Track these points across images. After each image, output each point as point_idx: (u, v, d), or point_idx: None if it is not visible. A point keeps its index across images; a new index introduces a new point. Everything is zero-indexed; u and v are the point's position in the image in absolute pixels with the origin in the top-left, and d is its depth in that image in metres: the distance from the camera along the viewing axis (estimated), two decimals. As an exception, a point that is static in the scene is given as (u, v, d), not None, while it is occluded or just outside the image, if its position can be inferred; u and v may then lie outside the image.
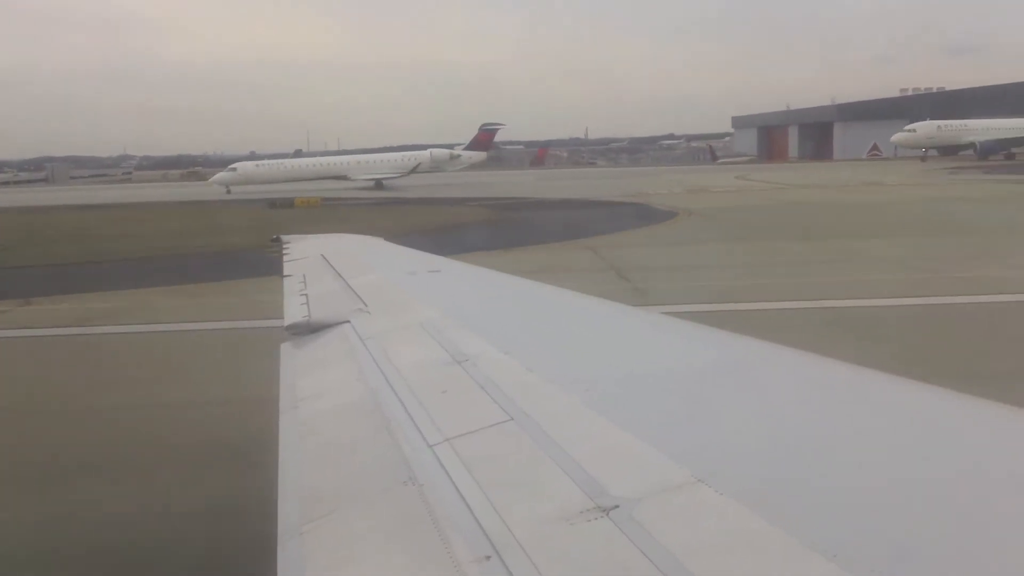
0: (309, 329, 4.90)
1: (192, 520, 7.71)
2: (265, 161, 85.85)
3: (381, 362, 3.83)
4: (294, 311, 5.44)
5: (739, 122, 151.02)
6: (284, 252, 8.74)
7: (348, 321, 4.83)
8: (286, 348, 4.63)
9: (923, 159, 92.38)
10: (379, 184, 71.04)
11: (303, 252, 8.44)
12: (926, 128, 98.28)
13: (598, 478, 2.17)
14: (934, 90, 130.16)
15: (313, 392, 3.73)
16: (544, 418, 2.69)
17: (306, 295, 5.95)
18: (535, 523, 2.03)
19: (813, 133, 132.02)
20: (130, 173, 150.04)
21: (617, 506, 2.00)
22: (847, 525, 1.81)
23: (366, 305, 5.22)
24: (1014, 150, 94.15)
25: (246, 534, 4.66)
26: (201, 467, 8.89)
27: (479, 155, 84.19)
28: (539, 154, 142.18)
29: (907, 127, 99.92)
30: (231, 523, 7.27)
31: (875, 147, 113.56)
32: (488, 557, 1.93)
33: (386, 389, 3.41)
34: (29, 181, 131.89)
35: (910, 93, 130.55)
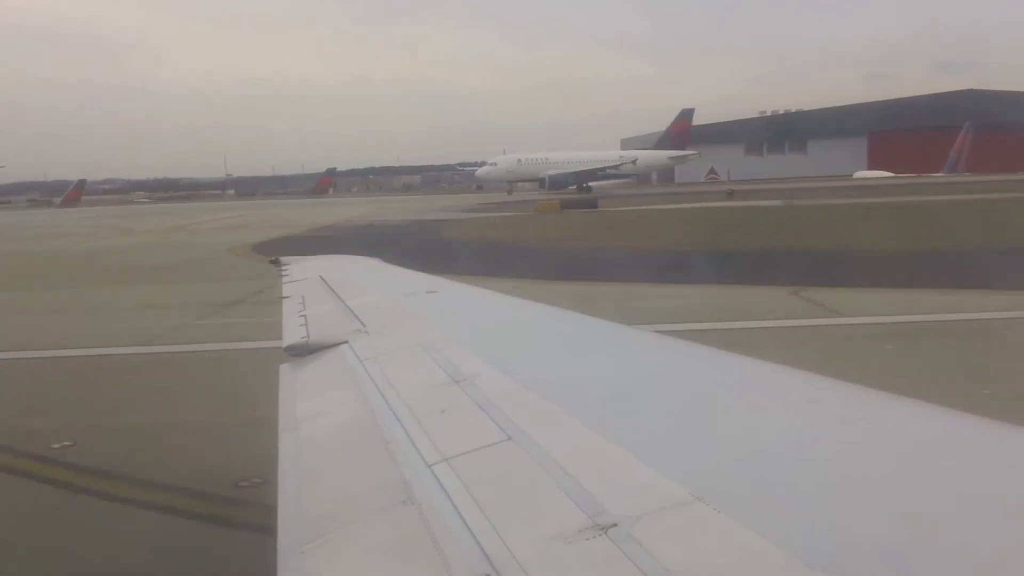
0: (307, 350, 4.91)
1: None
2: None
3: (380, 382, 3.84)
4: (293, 332, 5.45)
5: (628, 144, 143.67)
6: (283, 273, 8.77)
7: (346, 342, 4.85)
8: (285, 369, 4.64)
9: (509, 192, 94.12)
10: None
11: (302, 273, 8.47)
12: (507, 162, 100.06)
13: (596, 496, 2.18)
14: (780, 112, 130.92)
15: (312, 413, 3.73)
16: (542, 437, 2.70)
17: (305, 316, 5.97)
18: (534, 542, 2.04)
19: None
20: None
21: (615, 524, 2.01)
22: (847, 543, 1.81)
23: (364, 326, 5.24)
24: (592, 183, 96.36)
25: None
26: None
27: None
28: (323, 182, 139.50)
29: (491, 161, 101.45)
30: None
31: (712, 171, 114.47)
32: None
33: (384, 409, 3.42)
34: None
35: (768, 115, 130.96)
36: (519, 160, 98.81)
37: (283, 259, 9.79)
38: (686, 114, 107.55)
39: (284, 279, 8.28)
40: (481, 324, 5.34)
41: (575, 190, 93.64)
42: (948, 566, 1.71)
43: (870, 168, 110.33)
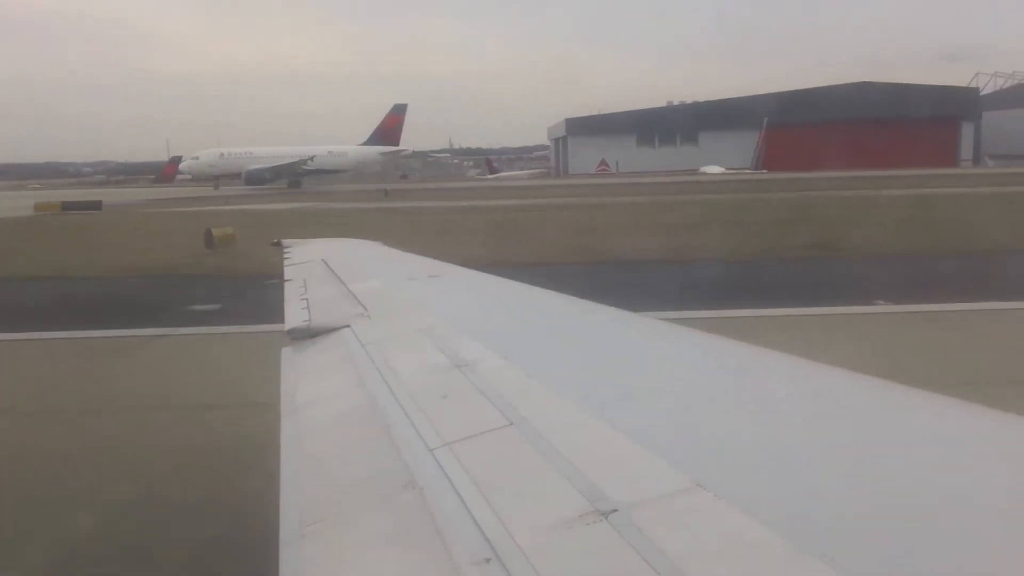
0: (310, 334, 4.91)
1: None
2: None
3: (381, 367, 3.85)
4: (295, 315, 5.46)
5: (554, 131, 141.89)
6: (285, 256, 8.77)
7: (348, 326, 4.85)
8: (287, 352, 4.65)
9: (216, 187, 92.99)
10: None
11: (304, 256, 8.47)
12: (208, 156, 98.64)
13: (597, 482, 2.19)
14: (688, 102, 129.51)
15: (314, 397, 3.75)
16: (544, 423, 2.71)
17: (307, 299, 5.97)
18: (534, 527, 2.05)
19: (562, 147, 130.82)
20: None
21: (616, 510, 2.02)
22: (846, 531, 1.82)
23: (367, 310, 5.24)
24: (302, 177, 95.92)
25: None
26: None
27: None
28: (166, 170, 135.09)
29: (194, 155, 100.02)
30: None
31: (603, 163, 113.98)
32: (488, 560, 1.95)
33: (386, 394, 3.43)
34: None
35: (676, 104, 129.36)
36: (221, 154, 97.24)
37: (285, 241, 9.77)
38: (398, 109, 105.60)
39: (286, 262, 8.28)
40: (484, 309, 5.34)
41: (286, 185, 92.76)
42: (948, 556, 1.72)
43: (764, 162, 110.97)
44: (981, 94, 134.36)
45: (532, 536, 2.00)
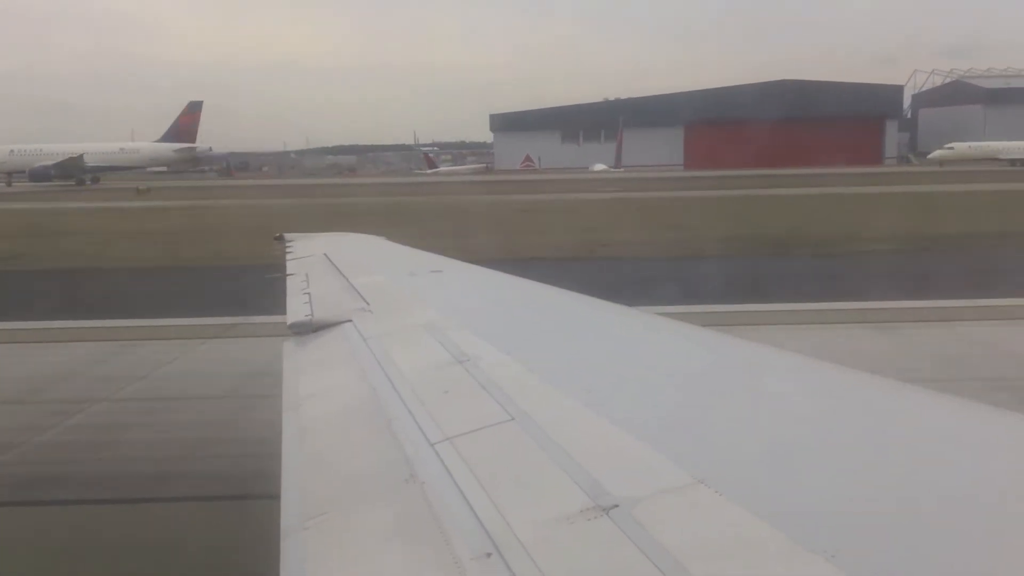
0: (311, 328, 4.92)
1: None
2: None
3: (383, 361, 3.85)
4: (297, 310, 5.46)
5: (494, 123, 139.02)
6: (287, 250, 8.77)
7: (350, 320, 4.86)
8: (288, 347, 4.65)
9: (8, 184, 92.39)
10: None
11: (306, 250, 8.46)
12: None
13: (598, 478, 2.19)
14: (611, 100, 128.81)
15: (315, 391, 3.75)
16: (545, 418, 2.71)
17: (309, 294, 5.97)
18: (535, 522, 2.05)
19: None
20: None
21: (617, 506, 2.02)
22: (846, 527, 1.83)
23: (368, 304, 5.24)
24: (100, 174, 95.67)
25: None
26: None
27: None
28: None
29: None
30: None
31: (528, 159, 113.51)
32: (489, 555, 1.95)
33: (388, 388, 3.43)
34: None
35: (612, 100, 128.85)
36: (11, 151, 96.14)
37: (288, 236, 9.77)
38: (194, 107, 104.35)
39: (288, 256, 8.28)
40: (485, 304, 5.34)
41: (74, 182, 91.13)
42: (949, 552, 1.72)
43: (686, 160, 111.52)
44: (919, 92, 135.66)
45: (533, 531, 2.01)
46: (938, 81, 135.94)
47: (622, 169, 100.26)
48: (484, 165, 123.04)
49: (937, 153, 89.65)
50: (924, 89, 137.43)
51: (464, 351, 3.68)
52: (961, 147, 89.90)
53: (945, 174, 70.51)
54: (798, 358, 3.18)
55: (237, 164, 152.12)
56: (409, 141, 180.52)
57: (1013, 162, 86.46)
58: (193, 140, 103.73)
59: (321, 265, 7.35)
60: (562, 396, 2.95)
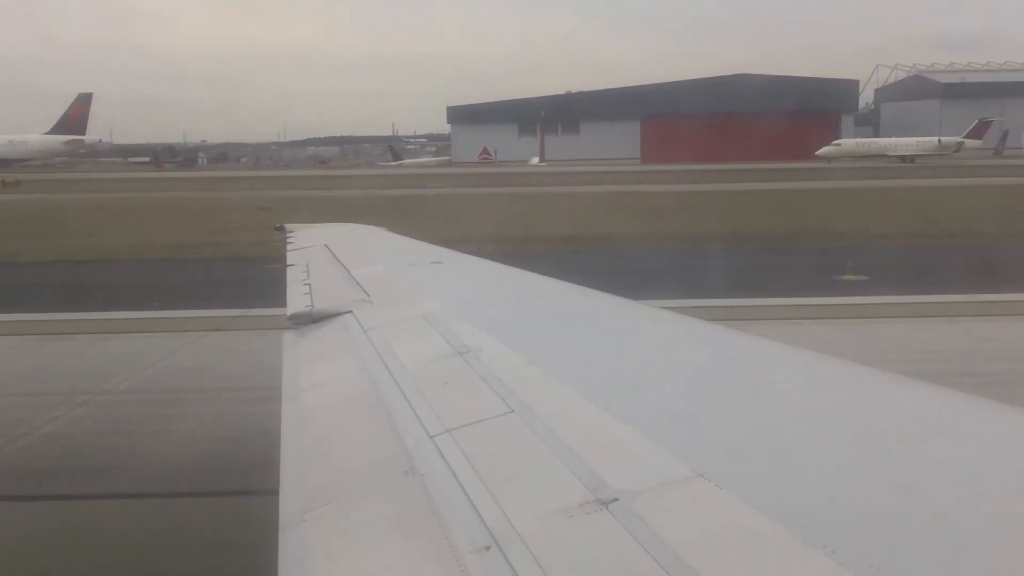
0: (311, 319, 4.91)
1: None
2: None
3: (383, 353, 3.85)
4: (297, 301, 5.45)
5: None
6: (288, 241, 8.76)
7: (350, 311, 4.85)
8: (288, 338, 4.65)
9: None
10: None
11: (307, 241, 8.46)
12: None
13: (598, 471, 2.19)
14: (574, 92, 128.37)
15: (315, 382, 3.75)
16: (545, 411, 2.70)
17: (309, 285, 5.97)
18: (535, 515, 2.05)
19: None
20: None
21: (616, 499, 2.01)
22: (845, 521, 1.82)
23: (368, 295, 5.23)
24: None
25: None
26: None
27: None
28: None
29: None
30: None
31: (485, 151, 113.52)
32: (488, 548, 1.95)
33: (388, 380, 3.42)
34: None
35: (572, 93, 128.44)
36: None
37: (288, 226, 9.76)
38: (83, 99, 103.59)
39: (289, 247, 8.27)
40: (485, 296, 5.33)
41: None
42: (947, 546, 1.72)
43: (642, 153, 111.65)
44: (882, 86, 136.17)
45: (532, 524, 2.00)
46: (902, 76, 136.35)
47: (544, 163, 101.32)
48: (447, 158, 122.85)
49: (825, 150, 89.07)
50: (887, 84, 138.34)
51: (464, 343, 3.67)
52: (848, 143, 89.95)
53: (833, 171, 70.17)
54: (799, 352, 3.18)
55: (214, 155, 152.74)
56: (399, 132, 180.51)
57: (903, 158, 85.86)
58: (83, 132, 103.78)
59: (321, 256, 7.35)
60: (562, 389, 2.94)
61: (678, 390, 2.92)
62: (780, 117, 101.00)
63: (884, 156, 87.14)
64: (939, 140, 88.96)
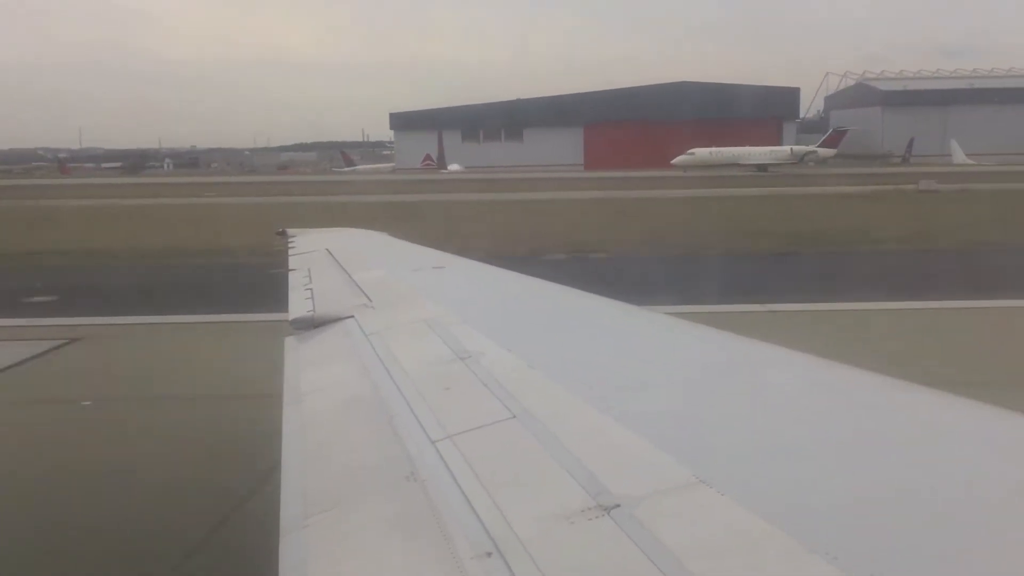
0: (313, 324, 4.91)
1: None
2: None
3: (384, 358, 3.85)
4: (299, 305, 5.46)
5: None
6: (289, 245, 8.77)
7: (352, 316, 4.85)
8: (290, 342, 4.65)
9: None
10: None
11: (309, 246, 8.46)
12: None
13: (600, 477, 2.18)
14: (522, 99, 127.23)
15: (316, 387, 3.74)
16: (547, 416, 2.70)
17: (311, 289, 5.97)
18: (536, 520, 2.04)
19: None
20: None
21: (618, 505, 2.01)
22: (848, 527, 1.82)
23: (370, 300, 5.24)
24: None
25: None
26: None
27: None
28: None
29: None
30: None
31: (428, 157, 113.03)
32: (489, 554, 1.94)
33: (389, 385, 3.42)
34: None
35: (517, 100, 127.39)
36: None
37: (290, 231, 9.77)
38: None
39: (291, 251, 8.28)
40: (487, 301, 5.33)
41: None
42: (950, 552, 1.71)
43: (585, 160, 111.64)
44: (831, 94, 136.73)
45: (534, 530, 2.00)
46: (850, 83, 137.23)
47: (444, 171, 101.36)
48: (391, 165, 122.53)
49: (679, 159, 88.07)
50: (835, 92, 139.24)
51: (466, 348, 3.67)
52: (702, 153, 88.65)
53: (688, 179, 68.48)
54: (802, 356, 3.17)
55: (186, 161, 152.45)
56: (376, 137, 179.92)
57: (759, 167, 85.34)
58: None
59: (323, 260, 7.35)
60: (564, 394, 2.94)
61: (680, 395, 2.91)
62: (721, 124, 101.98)
63: (738, 165, 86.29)
64: (791, 149, 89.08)
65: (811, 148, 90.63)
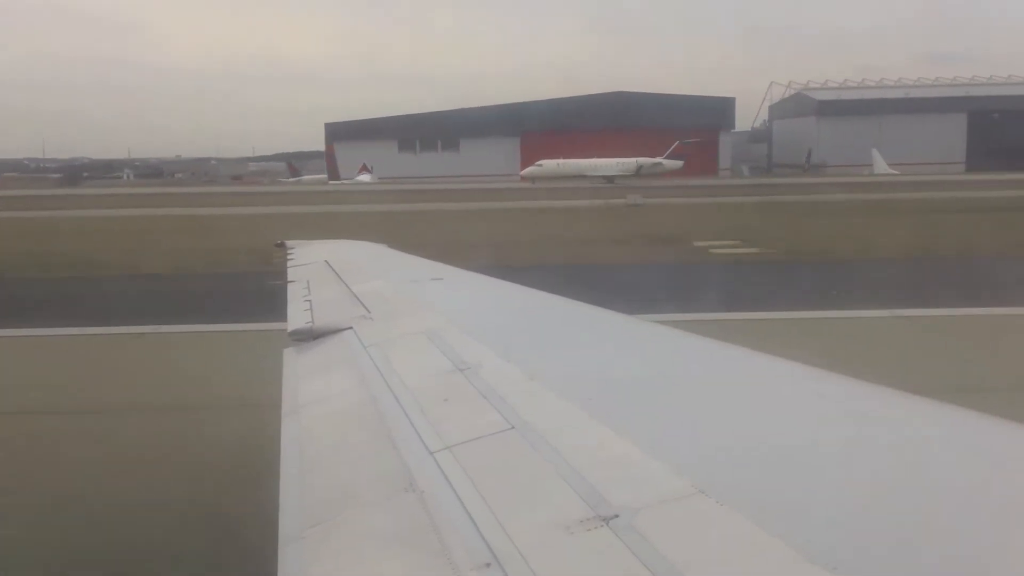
0: (312, 335, 4.91)
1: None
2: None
3: (383, 369, 3.85)
4: (298, 317, 5.46)
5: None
6: (288, 257, 8.76)
7: (351, 328, 4.85)
8: (289, 354, 4.65)
9: None
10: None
11: (307, 257, 8.46)
12: None
13: (598, 487, 2.18)
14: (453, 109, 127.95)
15: (315, 398, 3.74)
16: (545, 427, 2.70)
17: (310, 301, 5.97)
18: (535, 531, 2.04)
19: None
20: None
21: (617, 515, 2.01)
22: (846, 536, 1.82)
23: (369, 312, 5.24)
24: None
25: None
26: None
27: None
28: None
29: None
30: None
31: (364, 167, 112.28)
32: (488, 565, 1.94)
33: (388, 396, 3.42)
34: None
35: (456, 109, 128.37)
36: None
37: (289, 243, 9.77)
38: None
39: (289, 263, 8.28)
40: (486, 312, 5.34)
41: None
42: (950, 563, 1.71)
43: (522, 168, 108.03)
44: (774, 104, 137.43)
45: (533, 541, 2.00)
46: (793, 93, 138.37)
47: (377, 180, 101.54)
48: (324, 176, 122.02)
49: (527, 170, 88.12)
50: (778, 101, 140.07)
51: (464, 359, 3.67)
52: (549, 164, 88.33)
53: (535, 191, 68.06)
54: (799, 367, 3.18)
55: (149, 171, 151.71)
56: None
57: (608, 179, 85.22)
58: None
59: (322, 272, 7.35)
60: (563, 405, 2.94)
61: (678, 405, 2.92)
62: (658, 134, 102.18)
63: (585, 176, 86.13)
64: (636, 162, 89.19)
65: (657, 160, 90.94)
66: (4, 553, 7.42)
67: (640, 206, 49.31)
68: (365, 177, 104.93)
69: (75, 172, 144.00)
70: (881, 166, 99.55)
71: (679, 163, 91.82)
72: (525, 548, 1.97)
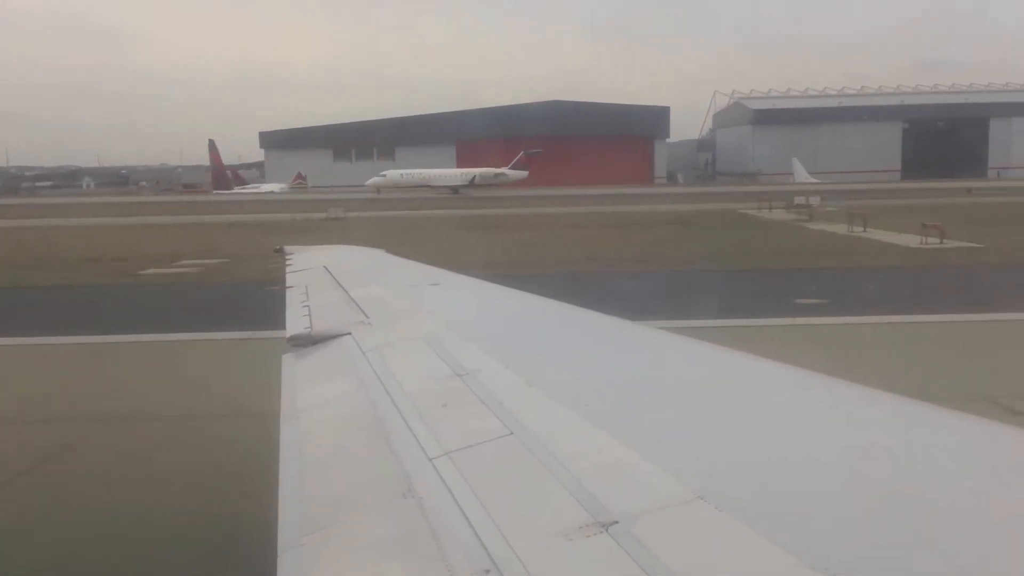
0: (311, 341, 4.91)
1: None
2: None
3: (382, 374, 3.84)
4: (296, 322, 5.45)
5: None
6: (287, 263, 8.76)
7: (349, 333, 4.85)
8: (287, 359, 4.64)
9: None
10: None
11: (306, 263, 8.46)
12: None
13: (597, 493, 2.18)
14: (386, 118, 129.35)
15: (314, 404, 3.74)
16: (544, 432, 2.70)
17: (308, 306, 5.97)
18: (534, 538, 2.04)
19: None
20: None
21: (616, 522, 2.01)
22: (846, 542, 1.81)
23: (368, 317, 5.23)
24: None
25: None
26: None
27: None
28: None
29: None
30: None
31: (299, 176, 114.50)
32: (487, 571, 1.93)
33: (386, 402, 3.42)
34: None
35: (391, 118, 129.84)
36: None
37: (287, 248, 9.77)
38: None
39: (288, 268, 8.28)
40: (484, 317, 5.33)
41: None
42: (944, 563, 1.71)
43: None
44: (718, 112, 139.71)
45: (532, 547, 1.99)
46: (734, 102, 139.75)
47: (288, 188, 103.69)
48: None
49: (372, 180, 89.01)
50: (720, 110, 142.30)
51: (463, 364, 3.67)
52: (393, 174, 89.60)
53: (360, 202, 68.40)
54: (799, 372, 3.17)
55: (116, 179, 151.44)
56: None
57: (453, 189, 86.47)
58: None
59: (321, 278, 7.35)
60: (561, 410, 2.93)
61: (678, 411, 2.91)
62: (593, 142, 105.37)
63: (430, 186, 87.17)
64: (477, 172, 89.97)
65: (501, 171, 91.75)
66: (7, 557, 7.41)
67: (341, 219, 50.44)
68: (272, 186, 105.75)
69: (12, 181, 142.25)
70: (801, 174, 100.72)
71: (524, 173, 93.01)
72: (524, 554, 1.96)
